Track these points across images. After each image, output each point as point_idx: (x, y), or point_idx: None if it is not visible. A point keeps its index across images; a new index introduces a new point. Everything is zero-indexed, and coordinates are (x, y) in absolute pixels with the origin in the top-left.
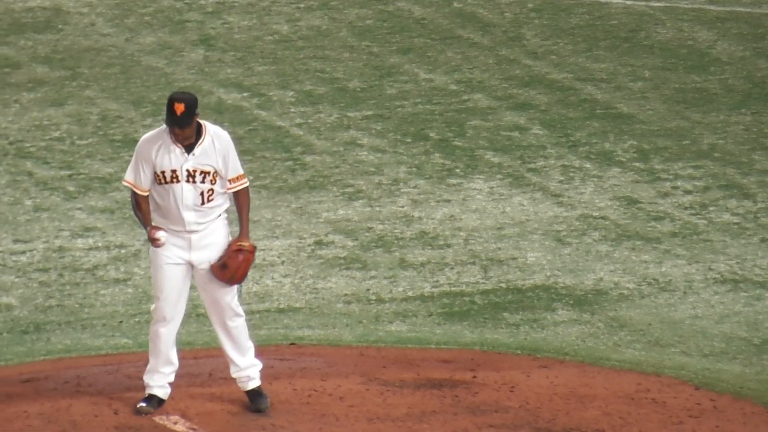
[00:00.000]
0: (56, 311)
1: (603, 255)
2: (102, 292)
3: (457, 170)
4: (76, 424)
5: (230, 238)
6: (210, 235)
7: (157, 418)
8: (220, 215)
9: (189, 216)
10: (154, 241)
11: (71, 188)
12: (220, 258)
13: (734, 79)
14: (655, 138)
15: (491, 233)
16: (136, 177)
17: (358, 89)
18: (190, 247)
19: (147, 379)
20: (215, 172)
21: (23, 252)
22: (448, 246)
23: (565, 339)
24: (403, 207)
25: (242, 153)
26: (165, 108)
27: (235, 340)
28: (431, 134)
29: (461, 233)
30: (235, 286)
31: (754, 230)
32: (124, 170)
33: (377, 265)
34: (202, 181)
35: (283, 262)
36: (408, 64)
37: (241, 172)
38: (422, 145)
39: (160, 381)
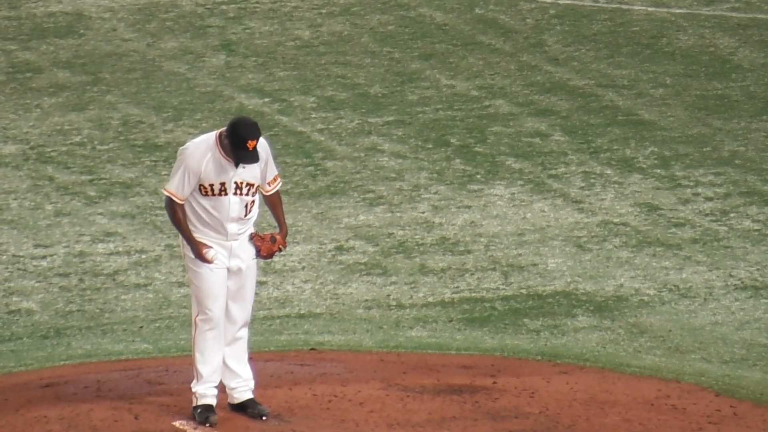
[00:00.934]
0: (77, 316)
1: (623, 261)
2: (122, 297)
3: (478, 176)
4: (97, 429)
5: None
6: (245, 242)
7: (177, 423)
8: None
9: (232, 227)
10: (206, 261)
11: (92, 193)
12: (264, 237)
13: (756, 86)
14: (676, 145)
15: (512, 239)
16: (178, 187)
17: (380, 95)
18: (230, 255)
19: (201, 390)
20: (258, 184)
21: (44, 257)
22: (469, 252)
23: (586, 345)
24: (423, 213)
25: None
26: (229, 136)
27: (240, 352)
28: (452, 140)
29: (482, 239)
30: (253, 298)
31: None
32: (145, 175)
33: (398, 270)
34: (247, 194)
35: (303, 268)
36: (429, 70)
37: (277, 172)
38: (443, 151)
39: (212, 390)
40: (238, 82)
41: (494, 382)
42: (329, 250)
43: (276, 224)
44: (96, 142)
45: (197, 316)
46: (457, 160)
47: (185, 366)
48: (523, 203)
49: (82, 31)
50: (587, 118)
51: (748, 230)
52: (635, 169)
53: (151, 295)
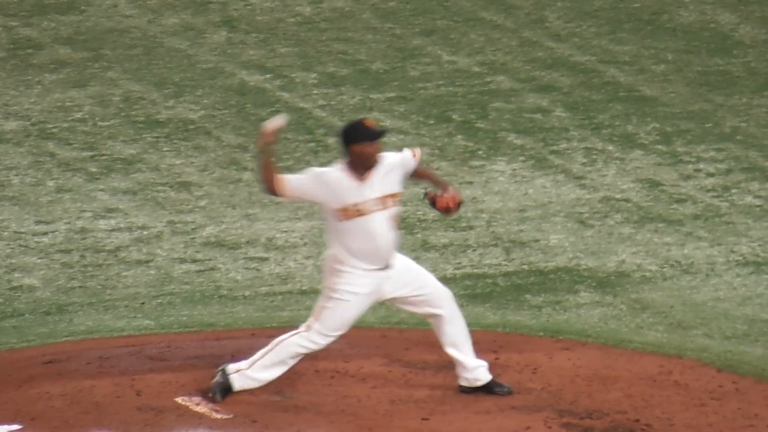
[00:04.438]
0: (78, 292)
1: (625, 237)
2: (124, 273)
3: (480, 152)
4: (99, 405)
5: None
6: (396, 263)
7: (179, 399)
8: None
9: (383, 247)
10: (271, 132)
11: (93, 169)
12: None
13: (757, 62)
14: (677, 121)
15: (514, 215)
16: (293, 184)
17: (381, 71)
18: (383, 283)
19: (238, 379)
20: (398, 193)
21: (45, 233)
22: (471, 228)
23: (588, 321)
24: (425, 189)
25: None
26: (349, 134)
27: (461, 329)
28: (454, 116)
29: (484, 215)
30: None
31: None
32: (146, 151)
33: (400, 246)
34: (390, 206)
35: (305, 244)
36: (431, 46)
37: (409, 150)
38: (445, 127)
39: (247, 384)
40: (240, 58)
41: (496, 358)
42: None
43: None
44: (97, 119)
45: (318, 329)
46: (459, 136)
47: (187, 342)
48: (524, 179)
49: (83, 8)
50: (589, 94)
51: (749, 206)
52: (637, 145)
53: (152, 272)
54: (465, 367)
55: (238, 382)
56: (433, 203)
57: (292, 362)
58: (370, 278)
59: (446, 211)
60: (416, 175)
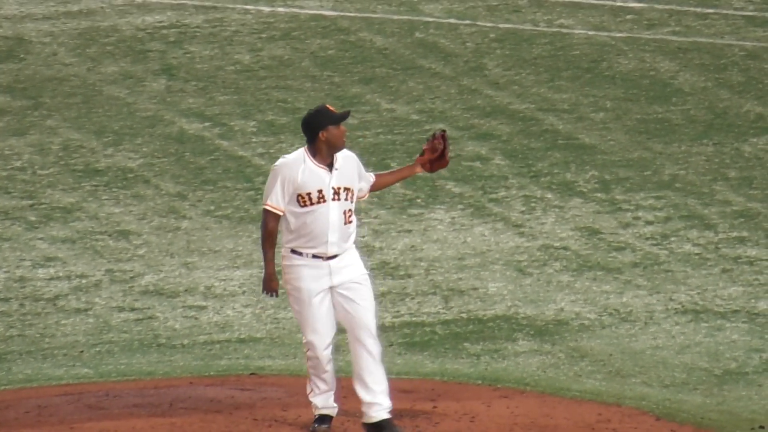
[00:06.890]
0: (17, 341)
1: (564, 285)
2: (63, 322)
3: (419, 200)
4: None
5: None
6: (346, 258)
7: None
8: (353, 243)
9: (333, 237)
10: (270, 289)
11: (33, 218)
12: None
13: (696, 110)
14: (616, 168)
15: (452, 263)
16: (277, 198)
17: None
18: (331, 273)
19: (317, 401)
20: (352, 189)
21: None
22: (409, 276)
23: (526, 369)
24: (363, 237)
25: (203, 183)
26: (315, 119)
27: (375, 365)
28: (393, 164)
29: (422, 263)
30: (375, 311)
31: (715, 261)
32: (85, 200)
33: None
34: (345, 199)
35: (244, 292)
36: (370, 94)
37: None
38: None
39: (327, 402)
40: (179, 106)
41: (435, 407)
42: None
43: (399, 176)
44: (36, 167)
45: (303, 341)
46: (397, 184)
47: (125, 390)
48: (463, 227)
49: (22, 56)
50: (528, 142)
51: (688, 254)
52: (576, 193)
53: (91, 320)
54: (363, 402)
55: (319, 404)
56: (431, 167)
57: (325, 367)
58: (317, 269)
59: (441, 157)
60: (378, 186)
